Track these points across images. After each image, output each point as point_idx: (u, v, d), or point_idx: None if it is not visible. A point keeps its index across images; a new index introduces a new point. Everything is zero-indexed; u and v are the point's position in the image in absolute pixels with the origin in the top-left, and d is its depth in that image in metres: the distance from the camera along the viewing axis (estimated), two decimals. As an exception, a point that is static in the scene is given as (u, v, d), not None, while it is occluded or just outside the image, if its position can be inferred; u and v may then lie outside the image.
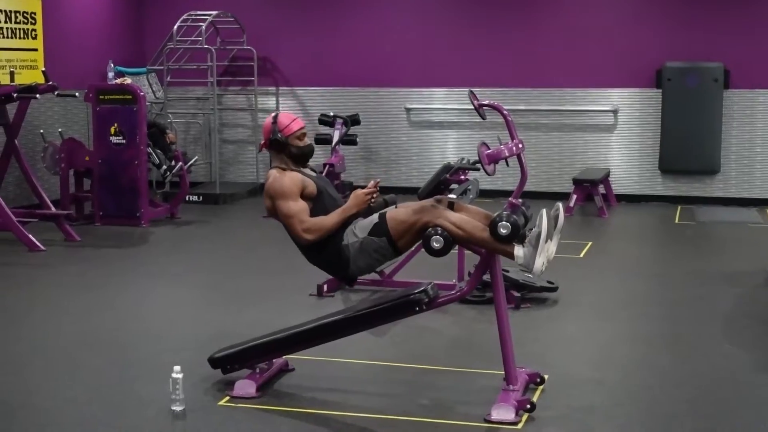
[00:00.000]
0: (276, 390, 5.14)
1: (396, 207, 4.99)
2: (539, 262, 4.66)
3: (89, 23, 12.47)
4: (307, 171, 5.19)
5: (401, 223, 4.84)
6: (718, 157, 11.87)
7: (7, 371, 5.56)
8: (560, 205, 4.86)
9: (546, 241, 4.67)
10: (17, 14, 11.03)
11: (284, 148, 5.12)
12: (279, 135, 5.10)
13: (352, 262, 4.96)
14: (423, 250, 4.89)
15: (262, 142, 5.19)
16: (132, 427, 4.65)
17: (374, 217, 4.95)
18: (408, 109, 12.83)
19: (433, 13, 12.71)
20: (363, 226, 4.95)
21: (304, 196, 5.00)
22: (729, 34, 11.81)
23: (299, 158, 5.16)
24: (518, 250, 4.70)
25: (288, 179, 5.00)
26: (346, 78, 12.89)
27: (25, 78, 10.69)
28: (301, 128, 5.17)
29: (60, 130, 11.01)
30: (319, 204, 5.03)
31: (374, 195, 5.03)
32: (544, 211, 4.70)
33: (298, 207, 4.96)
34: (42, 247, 8.96)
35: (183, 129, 13.50)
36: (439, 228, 4.75)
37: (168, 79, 12.84)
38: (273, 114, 5.21)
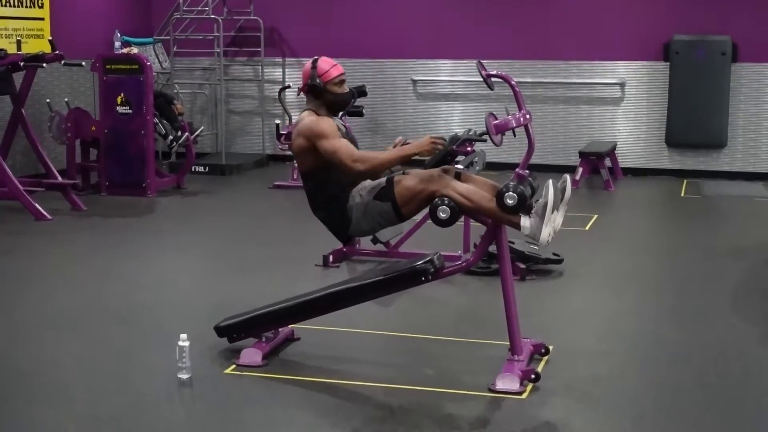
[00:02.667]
0: (282, 359, 5.17)
1: (404, 173, 4.98)
2: (545, 233, 4.65)
3: (95, -8, 12.44)
4: (338, 121, 5.16)
5: (408, 190, 4.83)
6: (725, 131, 11.82)
7: (15, 338, 5.59)
8: (568, 177, 4.85)
9: (552, 212, 4.66)
10: (23, -17, 11.01)
11: (322, 94, 5.07)
12: (318, 80, 5.04)
13: (354, 223, 4.98)
14: (429, 221, 4.90)
15: (301, 86, 5.16)
16: (138, 395, 4.67)
17: (381, 181, 4.94)
18: (414, 81, 12.79)
19: (440, -16, 12.67)
20: (369, 189, 4.94)
21: None
22: (738, 8, 11.73)
23: (335, 106, 5.13)
24: (524, 221, 4.70)
25: (325, 121, 4.99)
26: (353, 49, 12.82)
27: (31, 47, 10.68)
28: (341, 74, 5.10)
29: (66, 99, 11.00)
30: None
31: (441, 143, 4.94)
32: (551, 181, 4.70)
33: (342, 142, 4.94)
34: (48, 216, 8.97)
35: (189, 99, 13.49)
36: (445, 198, 4.74)
37: (174, 49, 12.81)
38: (313, 58, 5.14)
